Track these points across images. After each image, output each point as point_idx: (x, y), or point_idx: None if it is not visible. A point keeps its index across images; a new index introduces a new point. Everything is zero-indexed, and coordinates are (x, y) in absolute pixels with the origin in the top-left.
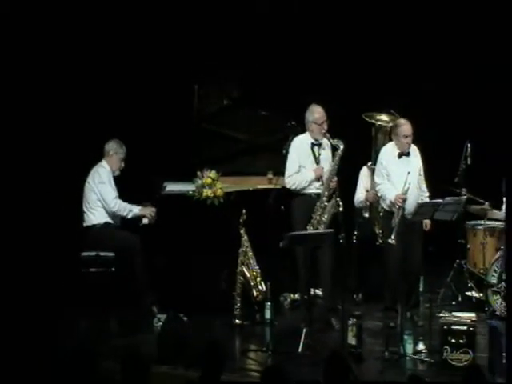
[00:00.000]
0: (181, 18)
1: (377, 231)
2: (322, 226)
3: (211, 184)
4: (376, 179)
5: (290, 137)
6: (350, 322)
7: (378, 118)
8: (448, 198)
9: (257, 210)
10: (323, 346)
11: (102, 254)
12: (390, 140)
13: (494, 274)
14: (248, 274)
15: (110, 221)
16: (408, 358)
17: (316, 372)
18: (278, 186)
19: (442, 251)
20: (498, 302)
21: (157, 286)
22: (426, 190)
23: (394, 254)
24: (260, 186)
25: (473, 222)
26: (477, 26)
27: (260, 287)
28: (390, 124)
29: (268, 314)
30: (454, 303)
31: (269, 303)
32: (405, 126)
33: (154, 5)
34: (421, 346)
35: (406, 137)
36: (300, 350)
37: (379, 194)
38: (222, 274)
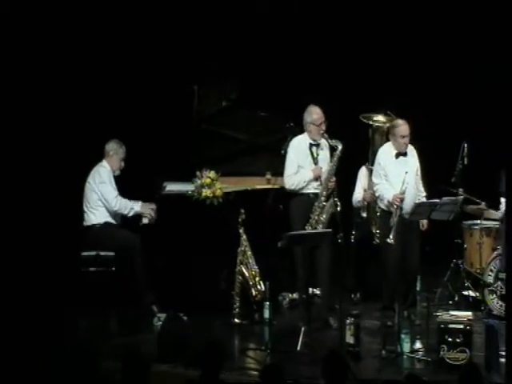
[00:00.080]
0: (180, 19)
1: (374, 231)
2: (321, 225)
3: (210, 184)
4: (374, 179)
5: (289, 137)
6: (348, 321)
7: (375, 118)
8: (445, 198)
9: (255, 210)
10: (321, 345)
11: (102, 253)
12: (387, 140)
13: (490, 273)
14: (247, 274)
15: (110, 220)
16: (405, 356)
17: (314, 370)
18: (277, 186)
19: (439, 251)
20: (494, 302)
21: (157, 285)
22: (422, 189)
23: (393, 253)
24: (259, 186)
25: (469, 222)
26: (472, 26)
27: (259, 287)
28: (387, 125)
29: (267, 314)
30: (450, 302)
31: (267, 302)
32: (402, 127)
33: (154, 6)
34: (418, 345)
35: (404, 137)
36: (298, 348)
37: (377, 194)
38: (222, 274)
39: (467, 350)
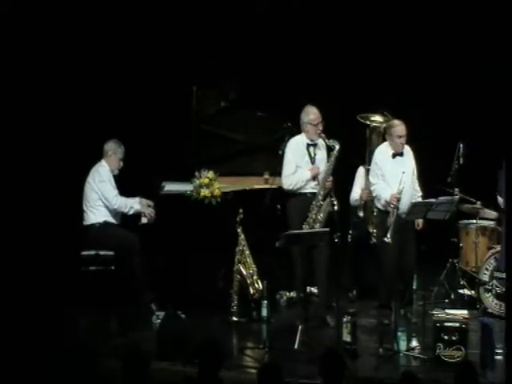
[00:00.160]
0: (179, 19)
1: (371, 230)
2: (318, 224)
3: (209, 184)
4: (371, 179)
5: (286, 138)
6: (345, 319)
7: (372, 119)
8: (441, 198)
9: (253, 210)
10: (319, 343)
11: (101, 252)
12: (384, 140)
13: (485, 272)
14: (245, 273)
15: (110, 220)
16: (402, 354)
17: (312, 368)
18: (275, 186)
19: (435, 250)
20: (489, 300)
21: (155, 284)
22: (418, 189)
23: (390, 252)
24: (257, 186)
25: (465, 221)
26: (466, 28)
27: (256, 285)
28: (384, 125)
29: (264, 312)
30: (446, 301)
31: (265, 301)
32: (399, 127)
33: (153, 7)
34: (414, 343)
35: (400, 137)
36: (296, 346)
37: (374, 194)
38: (220, 273)
39: (463, 348)
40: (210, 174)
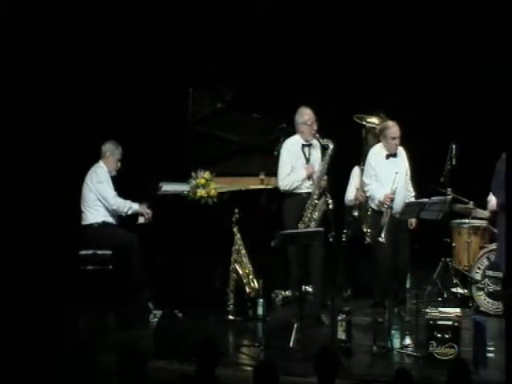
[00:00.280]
0: (177, 20)
1: (365, 230)
2: (313, 223)
3: (205, 184)
4: (365, 179)
5: (282, 138)
6: (340, 317)
7: (368, 119)
8: (434, 198)
9: (249, 210)
10: (314, 341)
11: (99, 252)
12: (380, 141)
13: (478, 270)
14: (241, 272)
15: (108, 220)
16: (395, 352)
17: (307, 366)
18: (270, 187)
19: (428, 249)
20: (481, 298)
21: (152, 283)
22: (411, 189)
23: (384, 252)
24: (252, 187)
25: (458, 221)
26: (459, 30)
27: (252, 284)
28: (379, 127)
29: (260, 310)
30: (439, 299)
31: (261, 300)
32: (393, 128)
33: (151, 7)
34: (408, 341)
35: (394, 138)
36: (291, 344)
37: (368, 194)
38: (216, 272)
39: (455, 346)
40: (207, 174)
